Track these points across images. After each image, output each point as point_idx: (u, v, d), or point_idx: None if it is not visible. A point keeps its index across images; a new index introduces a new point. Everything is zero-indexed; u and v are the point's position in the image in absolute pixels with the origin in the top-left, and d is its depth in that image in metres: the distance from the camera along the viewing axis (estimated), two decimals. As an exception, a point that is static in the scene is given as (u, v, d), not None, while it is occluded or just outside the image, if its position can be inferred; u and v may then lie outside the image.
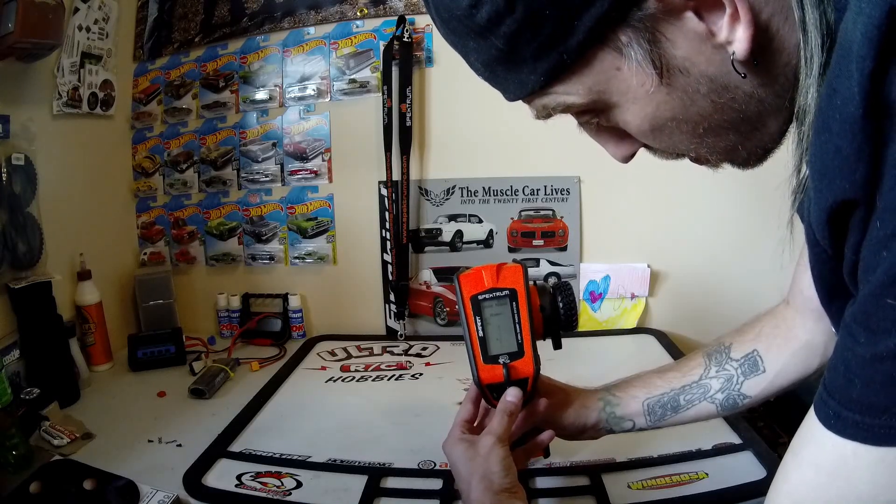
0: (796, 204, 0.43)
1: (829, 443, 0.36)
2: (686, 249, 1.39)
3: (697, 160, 0.49)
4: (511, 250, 1.42)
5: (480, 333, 0.70)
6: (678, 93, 0.42)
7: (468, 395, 0.75)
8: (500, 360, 0.69)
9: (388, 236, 1.42)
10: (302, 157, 1.43)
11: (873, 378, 0.33)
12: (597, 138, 0.52)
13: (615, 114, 0.46)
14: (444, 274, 1.44)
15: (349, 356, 1.32)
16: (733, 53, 0.39)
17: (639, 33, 0.40)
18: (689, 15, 0.39)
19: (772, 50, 0.40)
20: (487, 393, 0.71)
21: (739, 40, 0.39)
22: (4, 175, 1.06)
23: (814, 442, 0.37)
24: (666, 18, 0.39)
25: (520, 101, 0.48)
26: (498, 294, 0.70)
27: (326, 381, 1.19)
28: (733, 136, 0.45)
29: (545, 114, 0.47)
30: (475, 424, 0.74)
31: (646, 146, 0.50)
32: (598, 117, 0.47)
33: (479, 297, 0.70)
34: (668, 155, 0.50)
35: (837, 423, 0.35)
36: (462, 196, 1.41)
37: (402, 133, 1.35)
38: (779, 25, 0.39)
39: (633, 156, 0.51)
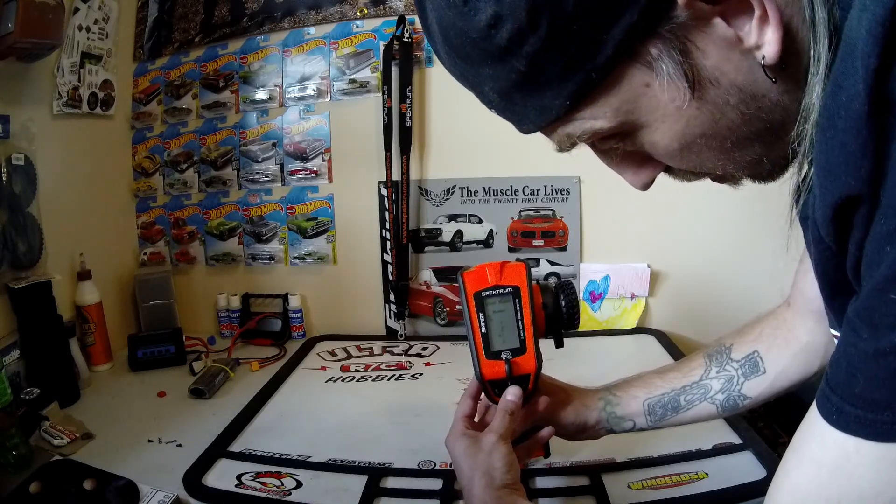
0: (799, 203, 0.42)
1: (830, 439, 0.35)
2: (686, 249, 1.39)
3: (721, 178, 0.48)
4: (511, 250, 1.42)
5: (483, 329, 0.70)
6: (709, 106, 0.40)
7: (467, 391, 0.76)
8: (503, 356, 0.70)
9: (388, 236, 1.42)
10: (302, 157, 1.43)
11: (876, 374, 0.32)
12: (617, 168, 0.49)
13: (642, 135, 0.43)
14: (444, 274, 1.44)
15: (349, 356, 1.32)
16: (763, 58, 0.38)
17: (669, 45, 0.38)
18: (718, 21, 0.37)
19: (794, 51, 0.39)
20: (489, 388, 0.72)
21: (769, 43, 0.37)
22: (4, 175, 1.06)
23: (815, 438, 0.37)
24: (696, 26, 0.37)
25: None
26: (501, 291, 0.70)
27: (326, 381, 1.19)
28: (759, 148, 0.43)
29: (569, 144, 0.45)
30: (476, 420, 0.75)
31: (667, 170, 0.48)
32: (622, 141, 0.45)
33: (483, 294, 0.70)
34: (690, 176, 0.48)
35: (840, 419, 0.35)
36: (462, 196, 1.41)
37: (402, 133, 1.35)
38: (798, 26, 0.38)
39: (652, 182, 0.49)
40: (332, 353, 1.34)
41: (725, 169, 0.45)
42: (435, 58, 1.34)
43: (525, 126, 0.45)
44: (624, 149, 0.46)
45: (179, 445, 0.96)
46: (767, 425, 1.10)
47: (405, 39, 1.32)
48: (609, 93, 0.40)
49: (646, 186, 0.49)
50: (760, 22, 0.37)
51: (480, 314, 0.70)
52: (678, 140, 0.42)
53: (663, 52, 0.38)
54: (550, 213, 1.40)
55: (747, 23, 0.38)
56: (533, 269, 0.72)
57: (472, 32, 0.39)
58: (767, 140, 0.43)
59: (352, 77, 1.39)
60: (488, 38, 0.38)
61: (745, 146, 0.43)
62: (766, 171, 0.46)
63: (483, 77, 0.42)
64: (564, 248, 1.41)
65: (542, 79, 0.40)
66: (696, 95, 0.40)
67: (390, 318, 1.46)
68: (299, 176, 1.44)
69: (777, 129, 0.42)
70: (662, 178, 0.54)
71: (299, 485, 0.83)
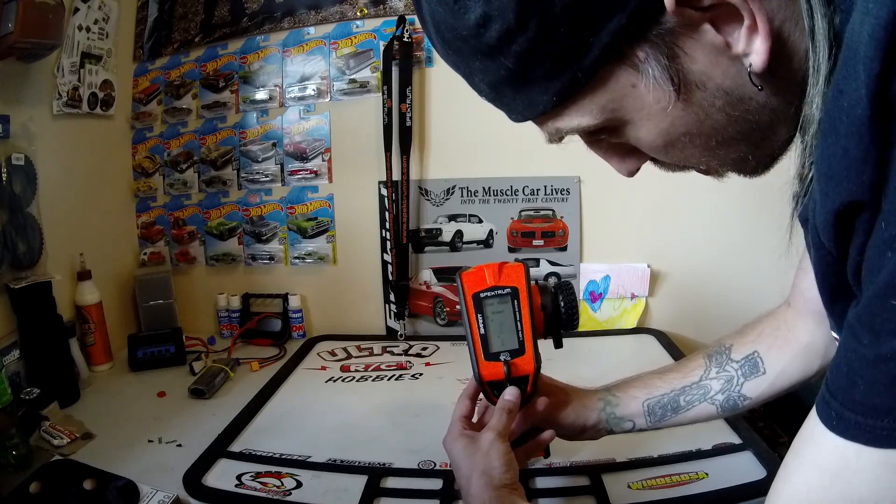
0: (798, 209, 0.42)
1: (830, 444, 0.35)
2: (686, 249, 1.39)
3: (706, 172, 0.48)
4: (511, 250, 1.42)
5: (482, 331, 0.70)
6: (694, 108, 0.41)
7: (465, 392, 0.76)
8: (502, 358, 0.70)
9: (388, 236, 1.42)
10: (302, 157, 1.43)
11: (877, 379, 0.32)
12: (603, 155, 0.50)
13: (628, 130, 0.44)
14: (444, 274, 1.44)
15: (349, 356, 1.32)
16: (750, 65, 0.38)
17: (657, 49, 0.38)
18: (707, 27, 0.38)
19: (784, 57, 0.39)
20: (488, 390, 0.71)
21: (757, 52, 0.38)
22: (4, 175, 1.06)
23: (815, 443, 0.37)
24: (684, 32, 0.38)
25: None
26: (500, 292, 0.70)
27: (326, 381, 1.19)
28: (744, 147, 0.44)
29: (558, 137, 0.46)
30: (474, 421, 0.74)
31: (653, 160, 0.49)
32: (609, 135, 0.46)
33: (481, 295, 0.70)
34: (675, 168, 0.49)
35: (840, 425, 0.35)
36: (462, 196, 1.41)
37: (402, 133, 1.35)
38: (790, 31, 0.38)
39: (638, 170, 0.50)
40: (332, 353, 1.34)
41: (710, 164, 0.46)
42: (435, 58, 1.35)
43: (514, 116, 0.46)
44: (610, 141, 0.47)
45: (179, 445, 0.96)
46: (767, 425, 1.10)
47: (405, 39, 1.32)
48: (595, 91, 0.41)
49: (631, 174, 0.51)
50: (749, 31, 0.37)
51: (479, 315, 0.70)
52: (662, 137, 0.43)
53: (650, 56, 0.39)
54: (550, 213, 1.40)
55: (736, 30, 0.38)
56: (533, 269, 0.71)
57: (462, 30, 0.40)
58: (754, 139, 0.43)
59: (352, 77, 1.39)
60: (478, 36, 0.39)
61: (730, 145, 0.44)
62: (751, 168, 0.47)
63: (474, 69, 0.43)
64: (564, 249, 1.41)
65: (529, 76, 0.41)
66: (682, 98, 0.40)
67: (390, 318, 1.46)
68: (299, 176, 1.44)
69: (764, 129, 0.42)
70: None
71: (299, 485, 0.84)
